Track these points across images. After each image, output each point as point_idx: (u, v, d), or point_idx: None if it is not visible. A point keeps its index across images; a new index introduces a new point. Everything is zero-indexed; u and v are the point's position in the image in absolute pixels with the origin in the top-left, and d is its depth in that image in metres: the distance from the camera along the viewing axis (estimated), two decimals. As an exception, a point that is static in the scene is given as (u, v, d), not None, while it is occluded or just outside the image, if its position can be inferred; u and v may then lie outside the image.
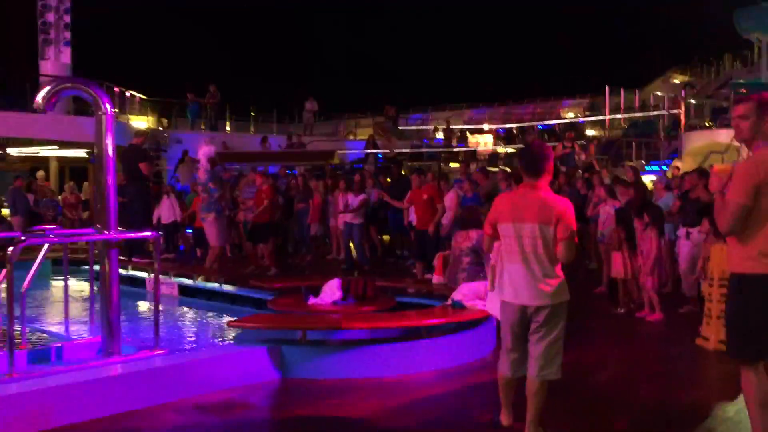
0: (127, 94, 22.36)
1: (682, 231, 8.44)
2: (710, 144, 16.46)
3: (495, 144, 25.39)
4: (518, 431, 4.28)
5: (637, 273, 8.05)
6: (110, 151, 5.63)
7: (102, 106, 5.55)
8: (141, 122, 22.67)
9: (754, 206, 3.68)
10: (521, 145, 20.20)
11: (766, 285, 3.70)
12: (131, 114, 22.75)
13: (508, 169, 14.02)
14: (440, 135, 28.04)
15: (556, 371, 4.21)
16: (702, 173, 8.38)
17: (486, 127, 28.25)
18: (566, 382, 4.44)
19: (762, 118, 3.75)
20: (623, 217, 8.27)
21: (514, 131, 27.29)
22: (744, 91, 19.03)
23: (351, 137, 29.12)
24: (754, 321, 3.74)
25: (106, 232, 5.64)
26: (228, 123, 25.95)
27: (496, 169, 18.77)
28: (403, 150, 25.12)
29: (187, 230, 14.46)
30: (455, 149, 25.34)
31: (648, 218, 7.77)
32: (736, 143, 14.22)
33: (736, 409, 4.74)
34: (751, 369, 3.79)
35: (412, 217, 11.05)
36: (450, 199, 10.62)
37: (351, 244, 12.56)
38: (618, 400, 5.21)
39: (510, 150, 23.96)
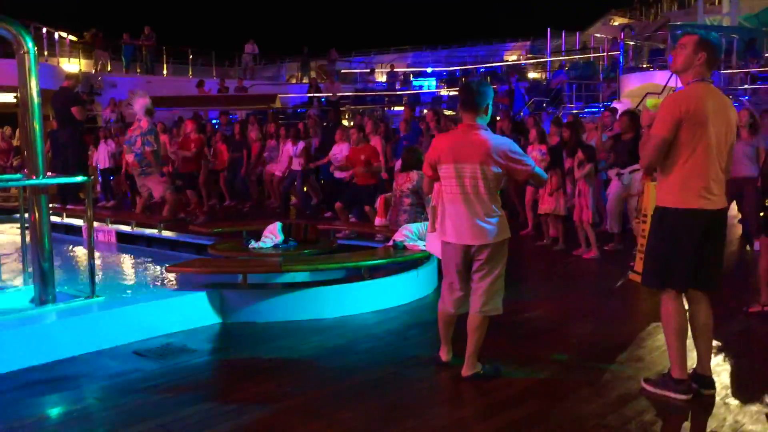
0: (57, 35, 21.40)
1: (613, 172, 8.61)
2: (647, 86, 16.70)
3: (438, 87, 25.34)
4: (456, 366, 4.38)
5: (569, 210, 8.27)
6: (35, 93, 5.39)
7: (23, 45, 5.28)
8: (72, 65, 21.78)
9: (675, 141, 3.76)
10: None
11: (682, 218, 3.81)
12: (62, 57, 21.82)
13: (450, 112, 14.02)
14: (383, 78, 27.79)
15: (497, 307, 4.30)
16: (632, 116, 8.50)
17: (429, 70, 28.10)
18: (503, 318, 4.54)
19: (696, 53, 3.81)
20: (556, 157, 8.42)
21: (458, 74, 27.22)
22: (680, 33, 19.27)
23: (293, 81, 28.63)
24: (670, 252, 3.86)
25: (34, 177, 5.45)
26: (165, 66, 25.14)
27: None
28: (346, 93, 24.85)
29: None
30: (398, 92, 25.19)
31: (583, 155, 7.92)
32: (671, 85, 14.51)
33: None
34: (671, 299, 3.94)
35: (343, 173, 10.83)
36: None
37: (291, 192, 12.47)
38: (553, 333, 5.37)
39: (453, 93, 23.92)
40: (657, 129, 3.78)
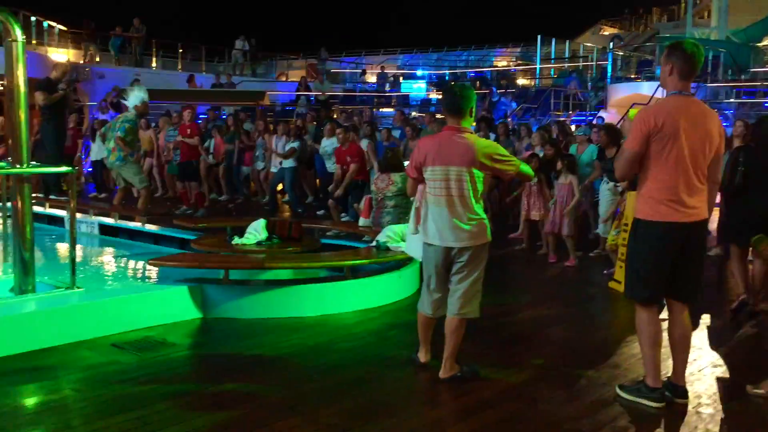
0: (46, 24, 21.25)
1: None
2: (634, 96, 16.85)
3: (427, 90, 25.41)
4: (434, 368, 4.40)
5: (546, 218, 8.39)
6: (21, 81, 5.36)
7: (12, 33, 5.26)
8: (61, 55, 21.63)
9: (646, 153, 3.78)
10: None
11: (653, 230, 3.83)
12: (50, 46, 21.67)
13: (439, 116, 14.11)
14: (373, 79, 27.82)
15: (475, 310, 4.33)
16: (609, 130, 8.54)
17: (419, 73, 28.17)
18: (482, 322, 4.58)
19: (665, 65, 3.84)
20: (542, 165, 8.56)
21: (447, 78, 27.30)
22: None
23: (283, 78, 28.58)
24: (645, 264, 3.90)
25: (18, 166, 5.42)
26: (154, 59, 25.02)
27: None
28: (336, 93, 24.85)
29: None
30: (388, 94, 25.23)
31: (562, 164, 8.02)
32: (658, 95, 14.65)
33: (641, 347, 4.98)
34: (645, 309, 3.97)
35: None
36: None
37: (279, 189, 12.48)
38: (531, 338, 5.42)
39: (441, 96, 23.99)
40: (628, 143, 3.85)
